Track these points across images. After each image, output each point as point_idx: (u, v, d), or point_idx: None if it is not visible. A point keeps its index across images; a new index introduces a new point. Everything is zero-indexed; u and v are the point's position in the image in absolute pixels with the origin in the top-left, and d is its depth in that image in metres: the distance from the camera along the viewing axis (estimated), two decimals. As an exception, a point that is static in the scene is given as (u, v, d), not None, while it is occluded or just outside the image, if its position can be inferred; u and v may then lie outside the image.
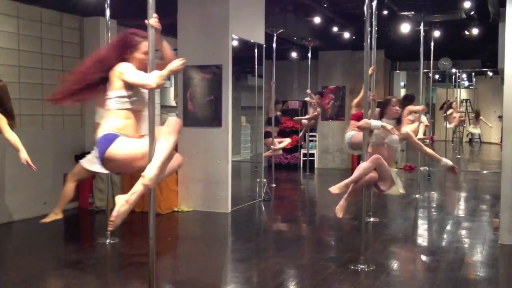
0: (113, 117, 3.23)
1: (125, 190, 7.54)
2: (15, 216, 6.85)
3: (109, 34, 5.83)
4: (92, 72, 3.26)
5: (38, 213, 7.13)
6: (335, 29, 10.72)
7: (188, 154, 7.59)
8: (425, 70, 9.84)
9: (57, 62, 7.51)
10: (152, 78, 3.01)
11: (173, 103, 10.37)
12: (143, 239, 5.98)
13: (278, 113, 10.01)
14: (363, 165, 4.91)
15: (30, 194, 7.04)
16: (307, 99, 11.29)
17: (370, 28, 5.22)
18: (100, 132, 3.21)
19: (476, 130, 18.11)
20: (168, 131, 3.13)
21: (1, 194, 6.70)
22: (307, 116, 11.51)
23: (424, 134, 10.58)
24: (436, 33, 10.55)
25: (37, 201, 7.14)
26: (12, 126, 4.93)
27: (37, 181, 7.13)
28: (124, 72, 3.15)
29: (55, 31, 7.48)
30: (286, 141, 9.86)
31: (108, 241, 5.78)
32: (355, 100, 7.13)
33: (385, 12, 9.28)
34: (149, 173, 3.03)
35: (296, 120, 11.95)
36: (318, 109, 11.37)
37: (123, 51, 3.28)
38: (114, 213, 3.02)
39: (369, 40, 5.14)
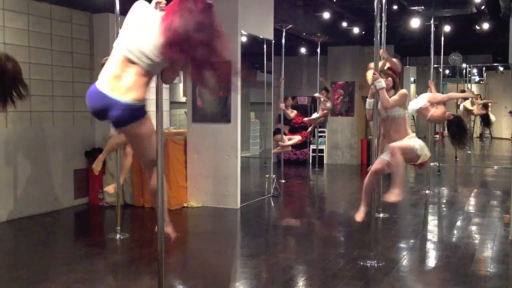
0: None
1: (135, 186, 7.59)
2: (26, 212, 6.90)
3: (119, 31, 5.84)
4: None
5: (49, 209, 7.21)
6: (344, 24, 10.68)
7: (197, 150, 7.62)
8: (436, 65, 9.78)
9: (67, 59, 7.55)
10: None
11: (182, 99, 10.38)
12: (152, 234, 6.00)
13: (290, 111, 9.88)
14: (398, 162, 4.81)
15: (40, 190, 7.09)
16: (316, 95, 11.17)
17: (380, 23, 5.19)
18: (130, 95, 2.86)
19: (493, 117, 18.22)
20: None
21: (12, 190, 6.75)
22: (316, 115, 11.34)
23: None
24: (447, 28, 10.48)
25: (47, 197, 7.19)
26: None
27: (47, 177, 7.18)
28: None
29: (65, 28, 7.51)
30: (296, 138, 9.81)
31: (118, 236, 5.82)
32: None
33: (395, 7, 9.23)
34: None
35: (308, 121, 11.42)
36: (328, 104, 10.96)
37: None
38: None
39: (378, 35, 5.11)
